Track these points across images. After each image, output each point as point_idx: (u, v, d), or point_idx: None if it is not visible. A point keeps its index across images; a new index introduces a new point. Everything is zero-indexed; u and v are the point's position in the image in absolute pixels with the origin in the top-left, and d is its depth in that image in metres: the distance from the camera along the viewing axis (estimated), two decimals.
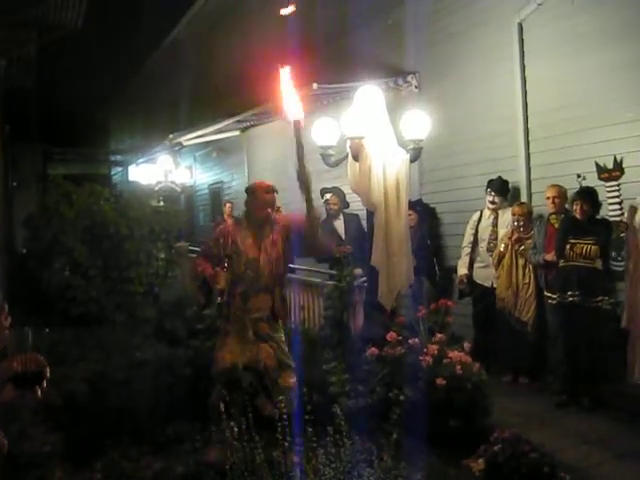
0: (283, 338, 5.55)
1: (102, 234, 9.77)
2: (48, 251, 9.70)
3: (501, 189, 7.97)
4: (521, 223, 7.49)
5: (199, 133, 13.93)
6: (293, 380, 5.39)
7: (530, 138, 7.96)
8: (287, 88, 5.07)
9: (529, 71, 7.98)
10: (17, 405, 2.19)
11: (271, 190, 5.54)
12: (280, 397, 4.77)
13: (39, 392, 2.17)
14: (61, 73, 23.19)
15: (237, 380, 5.29)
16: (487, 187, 8.02)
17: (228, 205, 14.95)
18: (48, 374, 2.18)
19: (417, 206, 8.55)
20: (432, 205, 9.34)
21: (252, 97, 12.44)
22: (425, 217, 8.83)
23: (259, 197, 5.53)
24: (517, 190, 8.09)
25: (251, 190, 5.64)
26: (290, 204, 13.26)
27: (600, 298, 6.50)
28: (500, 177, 7.98)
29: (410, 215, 7.47)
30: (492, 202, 8.00)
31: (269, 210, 5.50)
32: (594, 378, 6.63)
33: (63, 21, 10.76)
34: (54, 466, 4.97)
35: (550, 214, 7.21)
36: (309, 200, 5.24)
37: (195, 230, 19.74)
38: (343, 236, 8.90)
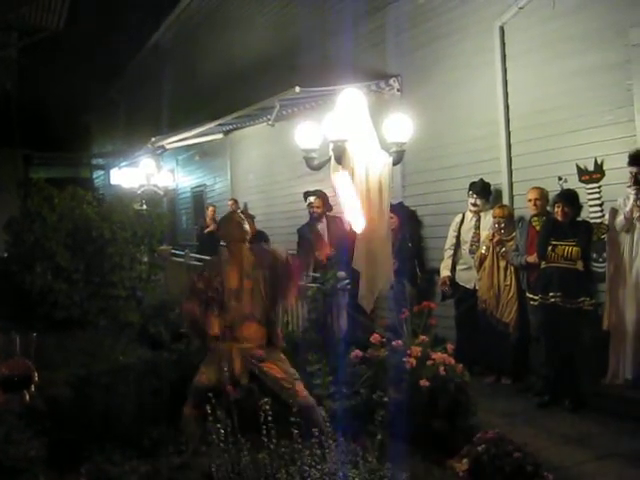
0: (283, 357, 5.53)
1: (85, 238, 9.73)
2: (30, 255, 9.65)
3: (483, 191, 8.01)
4: (502, 225, 7.54)
5: (181, 136, 13.89)
6: (306, 392, 5.38)
7: (512, 141, 8.02)
8: None
9: (510, 74, 8.04)
10: (2, 410, 2.19)
11: (241, 225, 5.59)
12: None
13: (27, 396, 2.18)
14: (42, 76, 23.08)
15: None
16: (469, 189, 8.07)
17: (211, 209, 14.96)
18: (36, 378, 2.19)
19: (398, 209, 8.57)
20: (414, 207, 9.39)
21: (235, 100, 12.45)
22: (406, 220, 8.86)
23: (230, 232, 5.59)
24: (499, 192, 8.15)
25: (221, 224, 5.74)
26: (272, 206, 13.35)
27: (581, 299, 6.56)
28: (482, 179, 8.03)
29: (391, 218, 7.49)
30: (474, 204, 8.04)
31: (244, 243, 5.55)
32: (576, 379, 6.68)
33: (44, 24, 10.75)
34: (38, 471, 4.95)
35: (532, 216, 7.27)
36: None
37: (178, 233, 19.72)
38: (326, 239, 8.91)
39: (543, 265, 6.84)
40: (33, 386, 2.20)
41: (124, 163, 19.06)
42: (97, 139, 31.32)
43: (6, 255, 11.69)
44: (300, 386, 5.32)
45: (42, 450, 5.16)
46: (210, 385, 5.26)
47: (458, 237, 8.24)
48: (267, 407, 4.14)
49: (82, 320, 9.37)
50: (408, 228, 8.85)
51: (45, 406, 5.73)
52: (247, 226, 5.67)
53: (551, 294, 6.69)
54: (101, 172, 26.37)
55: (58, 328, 8.70)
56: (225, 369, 5.25)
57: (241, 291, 5.41)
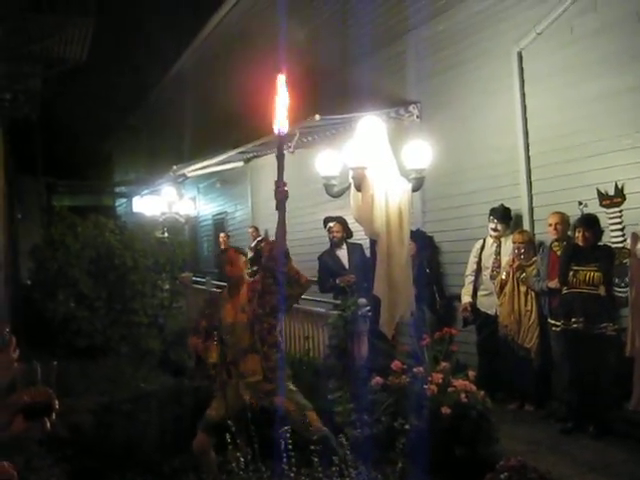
0: (293, 387, 5.47)
1: (107, 266, 9.82)
2: (53, 282, 9.74)
3: (503, 217, 7.98)
4: (522, 250, 7.50)
5: (203, 164, 13.99)
6: (319, 422, 5.34)
7: (531, 166, 8.00)
8: (280, 99, 5.16)
9: (529, 99, 8.05)
10: (22, 437, 2.20)
11: (231, 260, 5.63)
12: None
13: (48, 424, 2.20)
14: (64, 105, 23.36)
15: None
16: (490, 215, 8.04)
17: (222, 236, 15.10)
18: (57, 406, 2.21)
19: (416, 235, 8.55)
20: (435, 234, 9.38)
21: (256, 128, 12.52)
22: (424, 246, 8.84)
23: (225, 266, 5.65)
24: (519, 217, 8.12)
25: (228, 262, 5.70)
26: (292, 233, 13.34)
27: (604, 325, 6.50)
28: (502, 205, 8.01)
29: (409, 244, 7.49)
30: (494, 229, 8.01)
31: (237, 274, 5.59)
32: (599, 405, 6.61)
33: (68, 55, 10.90)
34: None
35: (552, 241, 7.24)
36: (281, 219, 5.19)
37: (199, 260, 19.79)
38: (346, 265, 8.92)
39: (565, 291, 6.79)
40: (54, 414, 2.22)
41: (146, 191, 19.22)
42: (119, 167, 31.62)
43: (29, 282, 11.79)
44: (313, 416, 5.27)
45: (63, 477, 5.18)
46: (220, 419, 5.25)
47: (479, 263, 8.21)
48: (287, 435, 4.13)
49: (104, 347, 9.43)
50: (426, 254, 8.83)
51: (67, 433, 5.76)
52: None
53: (573, 320, 6.64)
54: (123, 200, 26.59)
55: (80, 355, 8.75)
56: (236, 403, 5.24)
57: (236, 325, 5.40)
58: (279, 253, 5.28)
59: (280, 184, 5.11)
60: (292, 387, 5.44)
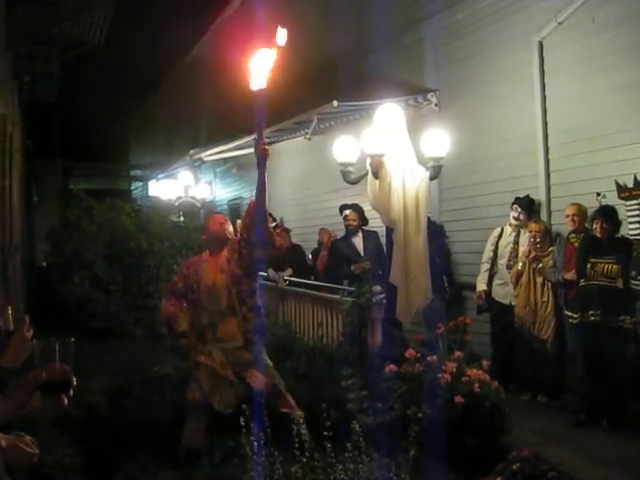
0: (269, 361, 5.50)
1: (123, 249, 9.85)
2: (69, 265, 9.79)
3: (528, 207, 7.87)
4: (538, 240, 7.45)
5: (219, 149, 13.98)
6: (293, 405, 5.36)
7: (550, 157, 7.94)
8: (263, 52, 5.05)
9: (549, 90, 7.98)
10: (37, 417, 2.21)
11: (221, 224, 5.70)
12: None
13: (65, 401, 2.20)
14: (83, 89, 23.41)
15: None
16: (514, 203, 7.92)
17: (239, 222, 15.05)
18: (74, 383, 2.22)
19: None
20: (451, 223, 9.35)
21: (272, 114, 12.49)
22: (434, 235, 8.78)
23: (212, 230, 5.68)
24: (537, 208, 8.06)
25: (205, 226, 5.82)
26: (308, 219, 13.36)
27: (622, 318, 6.44)
28: (529, 195, 7.92)
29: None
30: (517, 218, 7.86)
31: (223, 238, 5.62)
32: (614, 398, 6.58)
33: (87, 37, 10.91)
34: (73, 479, 5.00)
35: (569, 233, 7.18)
36: (261, 178, 5.18)
37: None
38: (362, 253, 8.91)
39: (582, 283, 6.73)
40: (72, 391, 2.23)
41: (162, 175, 19.24)
42: (135, 151, 31.65)
43: (45, 264, 11.85)
44: (285, 399, 5.34)
45: (77, 458, 5.21)
46: (203, 400, 5.23)
47: (495, 251, 8.14)
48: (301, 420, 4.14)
49: (118, 330, 9.47)
50: (436, 243, 8.77)
51: (81, 414, 5.79)
52: (230, 228, 5.75)
53: (591, 312, 6.58)
54: (139, 184, 26.63)
55: (94, 338, 8.79)
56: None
57: (215, 287, 5.40)
58: (257, 212, 5.26)
59: (260, 141, 5.08)
60: (269, 361, 5.48)
